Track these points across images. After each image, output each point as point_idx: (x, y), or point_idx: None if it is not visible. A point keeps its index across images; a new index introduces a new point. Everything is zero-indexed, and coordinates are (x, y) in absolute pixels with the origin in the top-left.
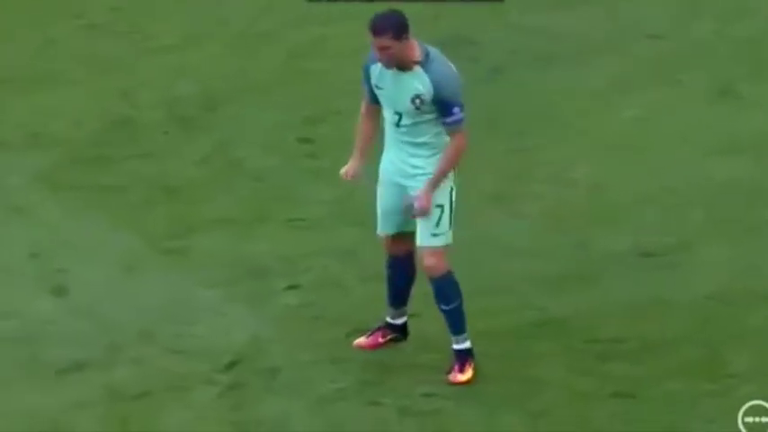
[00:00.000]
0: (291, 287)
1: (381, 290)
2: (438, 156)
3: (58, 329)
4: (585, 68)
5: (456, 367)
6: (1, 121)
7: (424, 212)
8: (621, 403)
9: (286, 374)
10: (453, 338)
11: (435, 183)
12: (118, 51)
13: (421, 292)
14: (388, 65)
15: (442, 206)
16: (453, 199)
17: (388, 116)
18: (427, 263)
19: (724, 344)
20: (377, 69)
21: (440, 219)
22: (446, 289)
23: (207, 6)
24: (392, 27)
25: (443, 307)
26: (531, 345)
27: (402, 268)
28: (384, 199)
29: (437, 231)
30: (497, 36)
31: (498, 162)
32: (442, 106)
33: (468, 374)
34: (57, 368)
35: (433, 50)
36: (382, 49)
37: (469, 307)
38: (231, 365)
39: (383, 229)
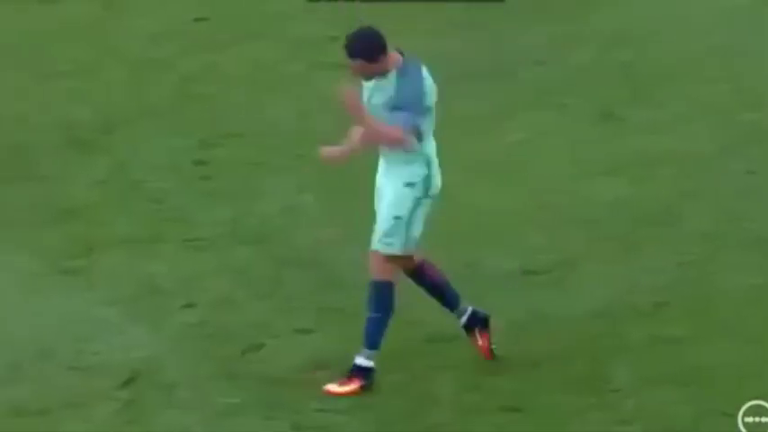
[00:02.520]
0: (188, 305)
1: (274, 307)
2: (409, 162)
3: None
4: (470, 92)
5: (344, 379)
6: None
7: (349, 107)
8: (508, 417)
9: (183, 390)
10: (361, 351)
11: (374, 125)
12: (15, 76)
13: (317, 306)
14: (366, 78)
15: (400, 218)
16: (417, 213)
17: None
18: (371, 264)
19: (607, 359)
20: (369, 85)
21: (393, 227)
22: (379, 296)
23: (102, 33)
24: (365, 50)
25: (371, 314)
26: (422, 360)
27: (421, 279)
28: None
29: (388, 240)
30: None
31: None
32: (393, 107)
33: (346, 388)
34: None
35: (414, 63)
36: (356, 69)
37: (361, 323)
38: (129, 381)
39: None
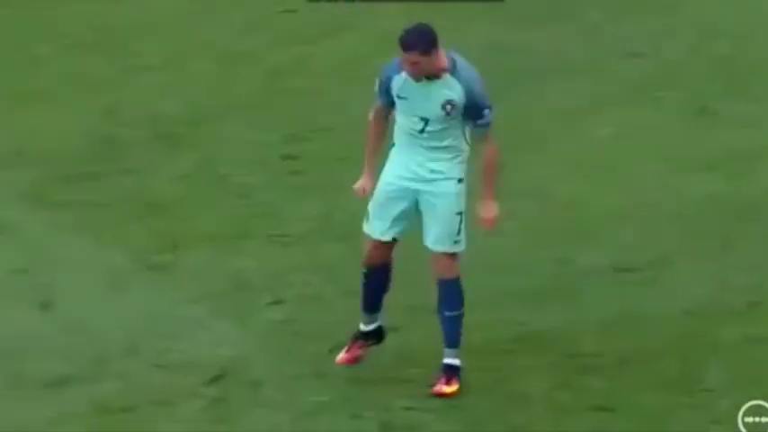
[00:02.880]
0: (275, 302)
1: (355, 304)
2: (458, 159)
3: (45, 344)
4: (564, 86)
5: (443, 379)
6: None
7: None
8: (600, 416)
9: (270, 388)
10: (446, 351)
11: (492, 190)
12: (103, 70)
13: (403, 304)
14: (416, 77)
15: (461, 213)
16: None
17: (407, 123)
18: (444, 264)
19: (700, 358)
20: (400, 80)
21: (460, 225)
22: (454, 294)
23: (190, 25)
24: (420, 43)
25: (447, 313)
26: (511, 359)
27: (380, 277)
28: (391, 204)
29: (458, 238)
30: (474, 53)
31: (476, 179)
32: (474, 110)
33: (453, 387)
34: (43, 382)
35: (458, 57)
36: (412, 63)
37: None
38: (216, 379)
39: (381, 233)
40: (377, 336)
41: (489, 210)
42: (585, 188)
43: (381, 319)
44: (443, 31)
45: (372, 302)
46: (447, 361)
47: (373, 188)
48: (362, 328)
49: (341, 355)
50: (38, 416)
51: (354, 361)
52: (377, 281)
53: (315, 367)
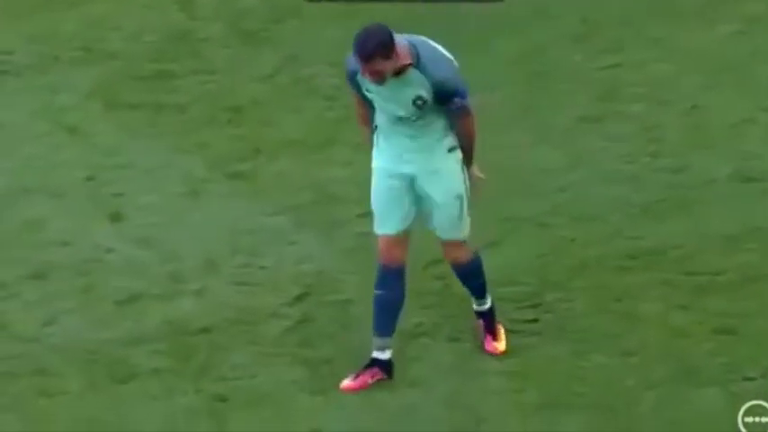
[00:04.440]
0: (364, 214)
1: None
2: (446, 136)
3: (116, 258)
4: None
5: (488, 336)
6: (52, 34)
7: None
8: (720, 340)
9: (359, 307)
10: (476, 302)
11: (469, 161)
12: None
13: (499, 216)
14: (382, 81)
15: (461, 196)
16: (467, 184)
17: (382, 116)
18: (453, 254)
19: None
20: (365, 80)
21: (461, 210)
22: (474, 271)
23: None
24: (380, 49)
25: (471, 283)
26: (624, 277)
27: (396, 283)
28: (384, 193)
29: (460, 224)
30: None
31: (589, 80)
32: (444, 99)
33: (504, 341)
34: (115, 299)
35: (420, 43)
36: (375, 73)
37: (559, 235)
38: (300, 298)
39: (384, 228)
40: (387, 367)
41: (476, 174)
42: (706, 90)
43: (391, 347)
44: None
45: (385, 319)
46: (480, 308)
47: None
48: (375, 355)
49: (347, 382)
50: (110, 335)
51: (360, 389)
52: (390, 289)
53: (411, 285)
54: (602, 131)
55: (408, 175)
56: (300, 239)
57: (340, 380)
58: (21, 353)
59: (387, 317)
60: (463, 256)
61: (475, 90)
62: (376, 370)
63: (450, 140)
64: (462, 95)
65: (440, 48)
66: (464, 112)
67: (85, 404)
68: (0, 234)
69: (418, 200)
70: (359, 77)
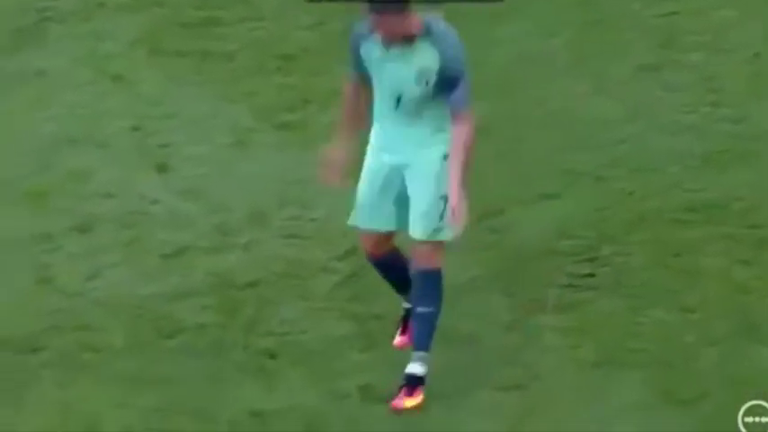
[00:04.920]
0: None
1: (514, 170)
2: (442, 135)
3: (162, 210)
4: None
5: (404, 391)
6: None
7: (457, 219)
8: None
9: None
10: (414, 355)
11: (458, 175)
12: None
13: (560, 168)
14: (391, 42)
15: (445, 197)
16: None
17: (383, 97)
18: (423, 255)
19: None
20: (371, 47)
21: (443, 210)
22: (433, 286)
23: None
24: (395, 2)
25: (421, 309)
26: (684, 230)
27: (393, 265)
28: (374, 187)
29: (440, 225)
30: None
31: (648, 28)
32: (447, 79)
33: (417, 399)
34: (161, 252)
35: (432, 19)
36: (387, 26)
37: (617, 188)
38: (351, 252)
39: (368, 224)
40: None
41: (453, 197)
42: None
43: None
44: None
45: (399, 286)
46: (412, 370)
47: (344, 162)
48: (406, 305)
49: (399, 339)
50: (156, 289)
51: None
52: (389, 269)
53: (462, 238)
54: (660, 81)
55: (399, 167)
56: (352, 191)
57: (390, 336)
58: (65, 307)
59: (399, 283)
60: (432, 260)
61: (533, 35)
62: None
63: (445, 147)
64: (465, 95)
65: (453, 31)
66: (464, 108)
67: (130, 359)
68: (45, 184)
69: (401, 196)
70: (363, 49)
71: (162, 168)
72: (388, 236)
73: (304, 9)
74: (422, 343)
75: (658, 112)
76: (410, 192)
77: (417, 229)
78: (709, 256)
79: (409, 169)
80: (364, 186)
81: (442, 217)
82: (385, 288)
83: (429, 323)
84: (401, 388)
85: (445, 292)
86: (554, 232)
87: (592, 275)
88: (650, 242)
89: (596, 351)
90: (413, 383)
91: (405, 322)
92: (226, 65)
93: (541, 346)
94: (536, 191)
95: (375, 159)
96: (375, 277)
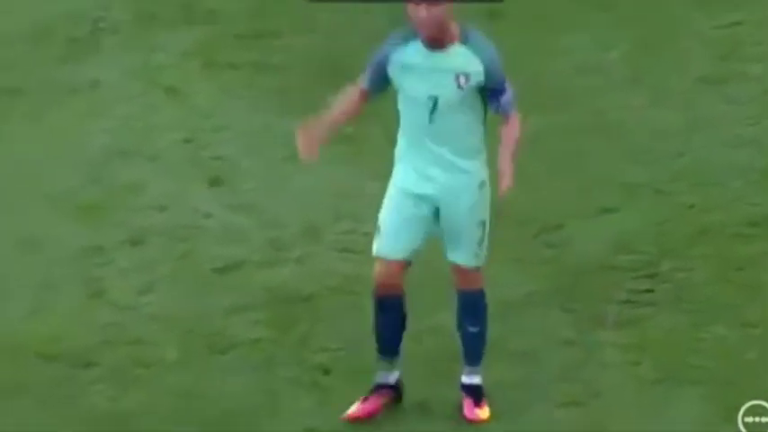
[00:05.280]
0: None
1: (573, 183)
2: (479, 157)
3: (215, 224)
4: None
5: (471, 401)
6: None
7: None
8: None
9: None
10: (467, 369)
11: (513, 157)
12: None
13: (619, 181)
14: (431, 38)
15: (484, 222)
16: (489, 212)
17: (413, 109)
18: (465, 279)
19: None
20: (403, 53)
21: (482, 236)
22: (477, 308)
23: None
24: None
25: (471, 329)
26: (744, 245)
27: (396, 310)
28: (402, 215)
29: (479, 251)
30: None
31: (708, 40)
32: (496, 87)
33: (487, 410)
34: (213, 266)
35: (469, 28)
36: (429, 18)
37: (678, 202)
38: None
39: (391, 252)
40: (395, 390)
41: (504, 176)
42: None
43: (400, 368)
44: None
45: (389, 342)
46: (469, 380)
47: (323, 140)
48: (380, 380)
49: (352, 410)
50: (211, 303)
51: (369, 415)
52: (390, 315)
53: (520, 254)
54: (722, 93)
55: (429, 197)
56: None
57: (448, 352)
58: (117, 321)
59: (390, 338)
60: (476, 282)
61: (591, 47)
62: (382, 393)
63: (483, 173)
64: (513, 96)
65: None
66: (514, 107)
67: (182, 375)
68: (97, 197)
69: (435, 221)
70: (393, 55)
71: (215, 182)
72: (401, 268)
73: (360, 19)
74: (475, 359)
75: (719, 124)
76: (445, 218)
77: (458, 257)
78: None
79: (443, 199)
80: (388, 214)
81: (480, 243)
82: (444, 301)
83: (479, 340)
84: (466, 401)
85: (503, 308)
86: (613, 247)
87: (651, 291)
88: (711, 257)
89: (656, 368)
90: (478, 394)
91: (372, 393)
92: (279, 77)
93: (601, 363)
94: (595, 204)
95: (400, 190)
96: (429, 291)
